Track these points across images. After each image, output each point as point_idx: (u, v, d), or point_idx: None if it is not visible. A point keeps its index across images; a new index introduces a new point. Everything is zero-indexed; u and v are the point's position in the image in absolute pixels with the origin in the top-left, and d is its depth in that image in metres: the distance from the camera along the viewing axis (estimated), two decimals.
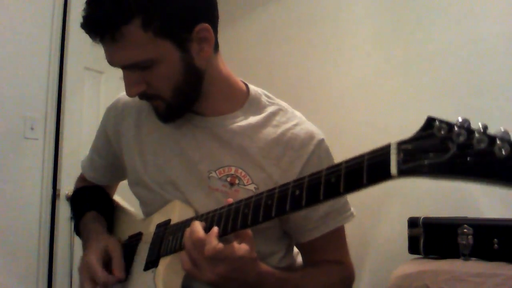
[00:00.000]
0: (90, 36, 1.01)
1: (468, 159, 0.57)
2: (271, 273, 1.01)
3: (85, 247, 1.24)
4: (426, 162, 0.61)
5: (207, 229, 0.97)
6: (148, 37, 0.99)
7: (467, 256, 1.96)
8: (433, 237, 2.09)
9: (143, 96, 1.10)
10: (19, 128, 2.56)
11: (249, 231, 0.95)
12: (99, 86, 3.05)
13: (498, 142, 0.55)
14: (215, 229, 0.94)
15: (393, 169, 0.65)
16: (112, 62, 1.05)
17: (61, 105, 2.77)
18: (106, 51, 1.04)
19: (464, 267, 1.86)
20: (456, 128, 0.60)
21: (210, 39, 1.07)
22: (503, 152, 0.54)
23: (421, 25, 2.69)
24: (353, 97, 2.90)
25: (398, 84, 2.73)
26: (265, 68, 3.28)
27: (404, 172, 0.64)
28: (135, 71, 1.04)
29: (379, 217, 2.68)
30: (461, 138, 0.59)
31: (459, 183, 1.96)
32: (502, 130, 0.56)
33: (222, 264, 0.90)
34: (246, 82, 1.25)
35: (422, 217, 2.14)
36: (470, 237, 1.97)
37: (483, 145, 0.57)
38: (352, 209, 1.20)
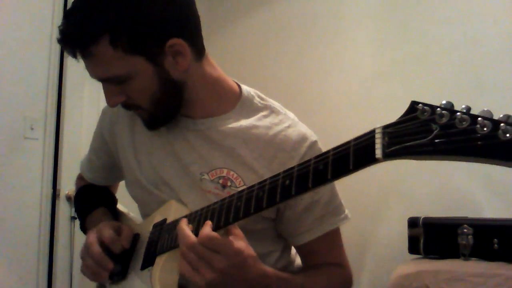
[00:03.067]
0: (65, 51, 1.05)
1: (451, 138, 0.58)
2: (274, 274, 1.01)
3: None
4: (410, 144, 0.62)
5: (198, 228, 0.98)
6: (117, 53, 1.00)
7: (467, 256, 1.95)
8: (433, 237, 2.09)
9: (124, 106, 1.11)
10: (19, 128, 2.57)
11: (240, 232, 0.95)
12: (99, 86, 3.00)
13: (479, 120, 0.56)
14: (208, 221, 0.94)
15: (378, 152, 0.66)
16: (89, 74, 1.07)
17: (61, 105, 2.78)
18: (88, 68, 1.06)
19: (464, 267, 1.85)
20: (438, 110, 0.61)
21: (184, 53, 1.07)
22: (485, 129, 0.55)
23: (421, 26, 2.70)
24: (352, 97, 2.90)
25: (397, 85, 2.73)
26: (264, 68, 3.28)
27: (389, 155, 0.65)
28: (112, 84, 1.05)
29: (379, 217, 2.68)
30: (444, 119, 0.60)
31: (459, 183, 1.96)
32: (485, 110, 0.56)
33: (220, 259, 0.89)
34: (239, 83, 1.24)
35: (422, 217, 2.14)
36: (470, 237, 1.96)
37: (465, 124, 0.57)
38: (347, 211, 1.20)
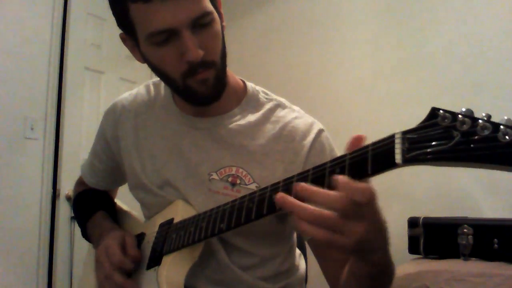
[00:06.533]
0: None
1: (472, 145, 0.58)
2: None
3: (99, 242, 1.22)
4: (430, 150, 0.62)
5: (208, 227, 0.98)
6: None
7: (467, 256, 1.96)
8: (433, 237, 2.10)
9: (201, 63, 1.03)
10: (19, 128, 2.57)
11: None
12: (99, 86, 3.06)
13: (501, 128, 0.56)
14: (342, 176, 0.72)
15: (398, 157, 0.66)
16: (180, 19, 0.97)
17: (61, 105, 2.79)
18: (171, 11, 0.96)
19: (464, 267, 1.86)
20: (460, 117, 0.61)
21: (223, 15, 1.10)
22: (507, 137, 0.56)
23: (421, 25, 2.70)
24: (353, 97, 2.92)
25: (398, 84, 2.74)
26: (265, 68, 3.28)
27: (408, 160, 0.65)
28: (196, 31, 1.00)
29: None
30: (465, 126, 0.60)
31: (458, 183, 1.96)
32: (505, 118, 0.57)
33: (367, 208, 0.72)
34: (244, 80, 1.25)
35: (422, 217, 2.15)
36: (470, 237, 1.97)
37: (486, 132, 0.58)
38: None
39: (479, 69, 2.48)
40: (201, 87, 1.05)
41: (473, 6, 2.54)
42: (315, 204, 0.72)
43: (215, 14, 1.03)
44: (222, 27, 1.08)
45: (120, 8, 1.00)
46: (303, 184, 0.75)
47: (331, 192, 0.71)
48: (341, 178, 0.70)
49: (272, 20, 3.38)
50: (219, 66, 1.06)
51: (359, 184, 0.69)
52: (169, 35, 0.98)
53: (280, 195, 0.76)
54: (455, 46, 2.57)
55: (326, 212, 0.71)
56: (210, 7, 1.01)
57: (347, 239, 0.71)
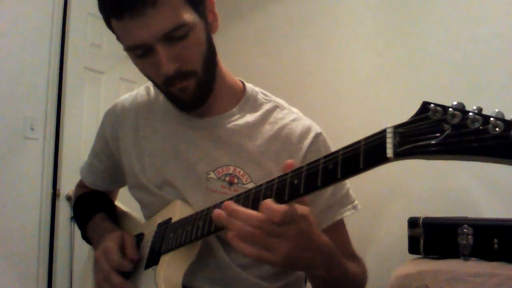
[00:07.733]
0: (126, 10, 0.95)
1: (463, 138, 0.58)
2: (331, 243, 0.93)
3: (99, 243, 1.20)
4: (421, 143, 0.62)
5: (205, 225, 0.97)
6: (180, 2, 0.98)
7: (467, 256, 1.96)
8: (433, 237, 2.09)
9: (177, 75, 1.04)
10: (19, 128, 2.57)
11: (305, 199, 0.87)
12: (99, 86, 3.07)
13: (492, 120, 0.56)
14: (268, 200, 0.83)
15: (389, 151, 0.66)
16: (150, 34, 0.97)
17: (61, 105, 2.79)
18: (141, 27, 0.97)
19: (464, 267, 1.85)
20: (450, 110, 0.61)
21: (216, 14, 1.10)
22: (497, 129, 0.55)
23: (420, 25, 2.71)
24: (352, 97, 2.92)
25: (397, 84, 2.74)
26: (264, 68, 3.29)
27: (400, 154, 0.65)
28: (171, 44, 1.00)
29: (379, 217, 2.68)
30: (456, 119, 0.60)
31: (459, 183, 1.96)
32: (496, 111, 0.57)
33: (290, 226, 0.80)
34: (242, 80, 1.26)
35: (422, 217, 2.14)
36: (470, 237, 1.97)
37: (477, 124, 0.58)
38: (356, 201, 1.18)
39: (479, 70, 2.48)
40: (182, 94, 1.07)
41: (473, 6, 2.54)
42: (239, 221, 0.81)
43: (193, 24, 1.01)
44: (210, 30, 1.08)
45: (107, 23, 1.03)
46: (228, 202, 0.86)
47: (253, 212, 0.81)
48: (264, 201, 0.80)
49: (270, 20, 3.39)
50: (201, 74, 1.06)
51: (277, 207, 0.78)
52: (145, 50, 1.00)
53: (217, 213, 0.85)
54: (455, 46, 2.57)
55: (251, 229, 0.80)
56: (185, 18, 0.99)
57: (273, 256, 0.80)
